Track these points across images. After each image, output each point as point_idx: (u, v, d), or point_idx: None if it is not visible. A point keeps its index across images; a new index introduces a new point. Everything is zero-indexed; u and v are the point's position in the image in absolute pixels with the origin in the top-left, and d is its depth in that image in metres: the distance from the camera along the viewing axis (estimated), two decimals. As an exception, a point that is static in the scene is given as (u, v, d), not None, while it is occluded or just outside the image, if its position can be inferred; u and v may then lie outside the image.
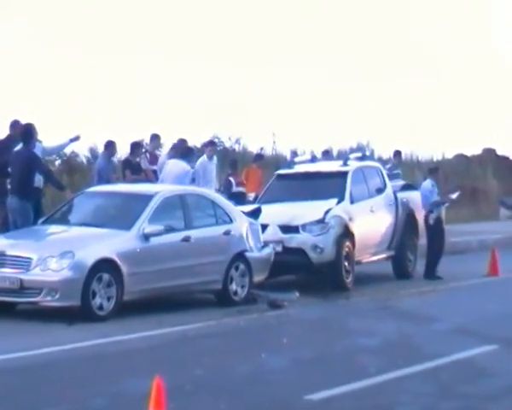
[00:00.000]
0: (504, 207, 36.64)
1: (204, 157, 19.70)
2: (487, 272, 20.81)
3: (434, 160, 36.90)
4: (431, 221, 19.94)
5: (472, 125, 58.71)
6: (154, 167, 19.32)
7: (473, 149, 42.99)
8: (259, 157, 25.40)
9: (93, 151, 25.71)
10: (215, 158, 20.67)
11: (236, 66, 61.97)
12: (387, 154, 30.05)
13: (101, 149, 22.01)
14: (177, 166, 18.39)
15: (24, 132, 16.48)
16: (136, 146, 20.27)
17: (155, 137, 20.66)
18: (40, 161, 16.98)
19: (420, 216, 20.46)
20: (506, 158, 45.29)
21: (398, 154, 26.31)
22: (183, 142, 19.99)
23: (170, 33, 61.99)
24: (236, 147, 31.12)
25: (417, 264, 20.47)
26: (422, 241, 20.99)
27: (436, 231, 20.12)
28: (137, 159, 19.67)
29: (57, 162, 22.15)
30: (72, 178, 21.76)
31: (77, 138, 19.27)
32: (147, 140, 21.57)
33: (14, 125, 17.26)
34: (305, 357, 11.91)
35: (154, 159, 19.78)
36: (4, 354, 11.15)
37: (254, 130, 35.30)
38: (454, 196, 21.52)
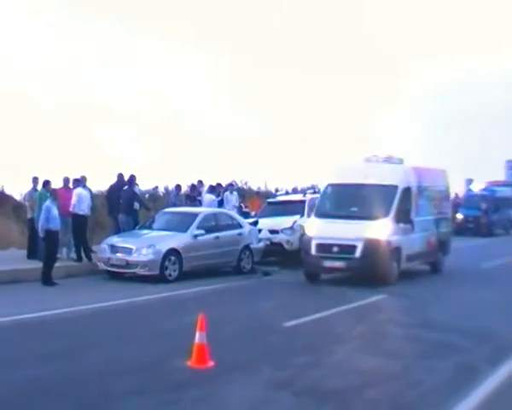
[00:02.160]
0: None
1: (228, 192, 22.04)
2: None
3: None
4: None
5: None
6: (199, 198, 21.71)
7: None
8: (258, 193, 27.83)
9: (166, 189, 27.47)
10: (235, 193, 22.86)
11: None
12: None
13: (171, 187, 24.68)
14: (209, 197, 21.24)
15: (129, 180, 19.11)
16: (192, 186, 22.99)
17: (200, 182, 23.10)
18: (137, 195, 19.32)
19: None
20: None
21: None
22: (213, 185, 22.45)
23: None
24: (245, 186, 33.00)
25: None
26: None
27: None
28: (194, 194, 22.05)
29: (147, 195, 23.49)
30: (155, 204, 23.50)
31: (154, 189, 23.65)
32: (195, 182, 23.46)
33: (120, 176, 19.71)
34: (282, 301, 14.03)
35: (199, 194, 22.13)
36: (117, 299, 13.51)
37: (255, 176, 38.51)
38: None
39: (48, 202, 15.57)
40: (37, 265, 15.83)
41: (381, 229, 16.12)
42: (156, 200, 25.79)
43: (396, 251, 16.43)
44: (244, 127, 59.91)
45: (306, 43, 78.15)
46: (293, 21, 76.99)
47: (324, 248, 16.04)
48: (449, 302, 14.43)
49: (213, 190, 22.05)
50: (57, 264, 15.91)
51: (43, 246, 15.83)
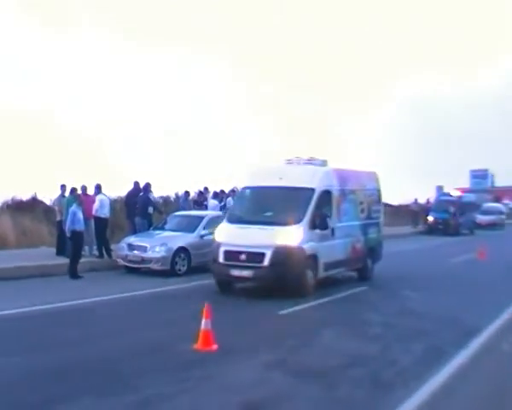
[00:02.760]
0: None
1: (230, 198, 21.42)
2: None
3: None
4: None
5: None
6: (206, 203, 21.89)
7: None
8: None
9: (177, 194, 26.71)
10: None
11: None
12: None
13: (180, 193, 24.10)
14: (213, 202, 21.34)
15: (144, 187, 19.08)
16: (200, 193, 23.11)
17: (206, 189, 23.23)
18: (151, 200, 19.33)
19: None
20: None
21: None
22: (217, 192, 22.72)
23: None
24: None
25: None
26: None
27: None
28: (200, 199, 22.39)
29: (160, 200, 24.09)
30: (166, 208, 23.22)
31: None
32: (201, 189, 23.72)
33: (136, 183, 19.55)
34: (277, 292, 13.14)
35: (205, 199, 22.34)
36: (133, 291, 13.41)
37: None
38: None
39: (73, 207, 15.68)
40: (65, 261, 15.92)
41: (293, 235, 13.20)
42: (168, 205, 25.66)
43: (311, 259, 13.37)
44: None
45: (293, 54, 78.95)
46: (277, 35, 77.63)
47: (232, 255, 13.23)
48: (421, 293, 14.42)
49: (217, 196, 22.19)
50: (82, 260, 15.98)
51: (69, 245, 15.97)
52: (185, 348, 8.39)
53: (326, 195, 14.34)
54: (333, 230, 14.24)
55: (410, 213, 40.45)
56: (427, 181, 61.65)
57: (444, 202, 38.67)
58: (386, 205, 47.55)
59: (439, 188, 50.54)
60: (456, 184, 55.46)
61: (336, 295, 13.55)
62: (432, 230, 36.51)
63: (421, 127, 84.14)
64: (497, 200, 59.58)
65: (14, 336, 9.18)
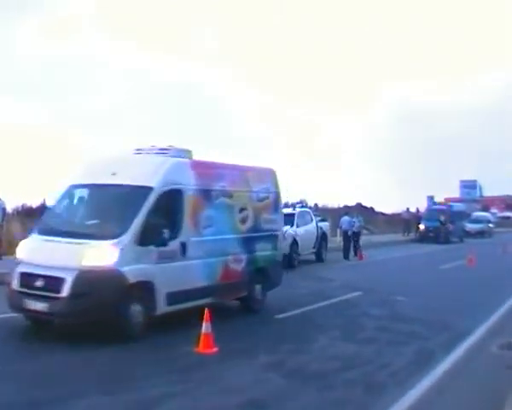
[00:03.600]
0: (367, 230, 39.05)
1: None
2: (358, 258, 24.04)
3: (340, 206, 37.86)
4: (349, 233, 24.47)
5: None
6: None
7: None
8: None
9: None
10: None
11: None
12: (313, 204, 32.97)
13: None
14: None
15: None
16: None
17: None
18: None
19: (328, 233, 23.93)
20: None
21: (316, 205, 31.95)
22: None
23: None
24: None
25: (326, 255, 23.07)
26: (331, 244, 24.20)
27: (348, 239, 24.54)
28: None
29: None
30: None
31: None
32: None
33: None
34: (275, 297, 12.87)
35: None
36: None
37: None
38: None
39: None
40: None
41: (106, 253, 8.99)
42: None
43: (139, 288, 9.20)
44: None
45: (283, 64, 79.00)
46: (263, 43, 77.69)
47: (27, 280, 9.09)
48: (413, 298, 14.42)
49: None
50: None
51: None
52: (186, 351, 8.40)
53: (173, 196, 10.07)
54: (183, 246, 9.96)
55: (402, 222, 40.58)
56: (420, 191, 61.93)
57: (435, 211, 38.93)
58: (381, 213, 48.29)
59: (431, 198, 50.78)
60: (447, 194, 55.91)
61: (331, 300, 13.55)
62: (423, 238, 36.59)
63: (413, 139, 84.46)
64: (486, 209, 60.06)
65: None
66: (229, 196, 11.38)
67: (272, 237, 12.59)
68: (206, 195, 10.75)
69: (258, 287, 11.96)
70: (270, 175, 12.91)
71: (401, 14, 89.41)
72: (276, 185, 12.99)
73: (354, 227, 25.20)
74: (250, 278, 11.70)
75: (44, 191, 27.47)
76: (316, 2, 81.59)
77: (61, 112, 55.70)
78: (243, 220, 11.68)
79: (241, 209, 11.66)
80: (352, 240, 24.91)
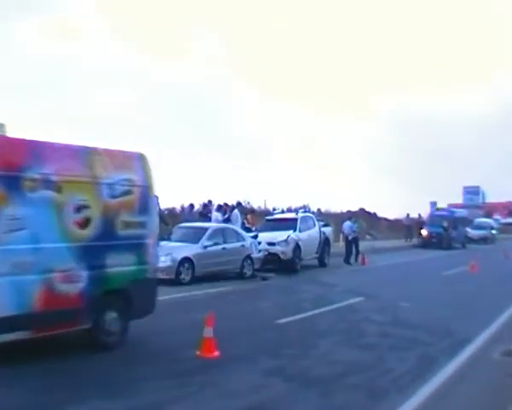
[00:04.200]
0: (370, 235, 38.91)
1: (236, 210, 21.54)
2: (361, 263, 23.98)
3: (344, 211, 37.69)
4: (349, 238, 24.57)
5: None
6: (210, 215, 21.73)
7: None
8: (253, 211, 28.62)
9: (182, 207, 26.99)
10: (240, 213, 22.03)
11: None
12: (315, 209, 32.36)
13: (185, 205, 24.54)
14: (215, 215, 21.37)
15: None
16: (205, 205, 23.35)
17: (210, 201, 23.61)
18: (158, 213, 18.71)
19: (331, 238, 23.80)
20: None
21: (319, 210, 31.97)
22: (220, 205, 22.58)
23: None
24: (248, 205, 33.68)
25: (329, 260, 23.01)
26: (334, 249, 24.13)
27: (350, 244, 24.65)
28: (205, 211, 22.52)
29: (166, 212, 23.58)
30: (172, 220, 23.00)
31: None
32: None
33: None
34: (276, 302, 13.93)
35: (209, 211, 22.51)
36: None
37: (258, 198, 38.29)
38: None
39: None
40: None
41: None
42: (173, 216, 25.64)
43: None
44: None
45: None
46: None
47: None
48: (415, 304, 14.36)
49: (220, 208, 22.21)
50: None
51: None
52: (188, 355, 8.38)
53: None
54: None
55: (404, 228, 40.49)
56: (424, 196, 61.64)
57: (437, 217, 38.72)
58: (384, 219, 48.12)
59: (433, 204, 50.60)
60: (451, 200, 55.73)
61: (332, 306, 13.49)
62: (426, 243, 36.55)
63: (417, 145, 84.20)
64: (489, 215, 59.77)
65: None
66: (57, 187, 7.98)
67: (138, 247, 9.14)
68: (12, 185, 7.43)
69: (110, 315, 8.72)
70: (136, 162, 9.32)
71: (404, 21, 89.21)
72: (145, 176, 9.40)
73: (354, 232, 25.25)
74: (95, 303, 8.37)
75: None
76: (319, 7, 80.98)
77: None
78: (83, 223, 8.28)
79: (80, 207, 8.26)
80: (353, 245, 24.89)
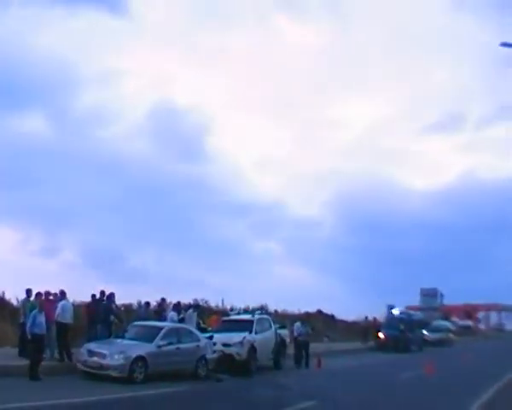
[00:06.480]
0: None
1: (190, 310, 22.04)
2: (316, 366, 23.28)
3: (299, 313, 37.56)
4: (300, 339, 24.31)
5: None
6: (164, 314, 22.03)
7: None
8: (215, 312, 28.06)
9: (139, 303, 26.47)
10: (195, 312, 22.53)
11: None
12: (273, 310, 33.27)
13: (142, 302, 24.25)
14: (171, 314, 21.57)
15: (108, 296, 19.68)
16: (159, 304, 23.52)
17: (164, 299, 23.82)
18: (113, 309, 19.78)
19: (287, 340, 23.79)
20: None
21: (276, 311, 32.82)
22: (176, 304, 23.05)
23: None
24: (205, 305, 31.77)
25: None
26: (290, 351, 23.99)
27: (300, 347, 24.31)
28: (159, 310, 22.58)
29: (122, 308, 24.24)
30: (127, 316, 23.36)
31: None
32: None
33: (101, 293, 20.09)
34: (226, 407, 13.46)
35: (163, 309, 22.72)
36: (89, 396, 12.95)
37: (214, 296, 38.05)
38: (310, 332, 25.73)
39: (35, 311, 15.71)
40: (26, 362, 15.46)
41: None
42: (129, 313, 25.55)
43: None
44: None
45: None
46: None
47: None
48: (368, 408, 14.31)
49: (176, 307, 22.42)
50: (43, 363, 15.65)
51: (30, 347, 15.69)
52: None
53: None
54: None
55: (361, 330, 40.60)
56: (382, 298, 61.97)
57: (394, 320, 39.28)
58: (341, 321, 48.01)
59: (390, 307, 51.08)
60: (407, 302, 56.12)
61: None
62: (382, 346, 36.54)
63: (372, 247, 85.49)
64: (446, 317, 60.23)
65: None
66: None
67: None
68: None
69: None
70: None
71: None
72: None
73: (302, 335, 24.86)
74: None
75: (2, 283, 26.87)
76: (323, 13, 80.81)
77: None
78: None
79: None
80: (302, 348, 24.52)
